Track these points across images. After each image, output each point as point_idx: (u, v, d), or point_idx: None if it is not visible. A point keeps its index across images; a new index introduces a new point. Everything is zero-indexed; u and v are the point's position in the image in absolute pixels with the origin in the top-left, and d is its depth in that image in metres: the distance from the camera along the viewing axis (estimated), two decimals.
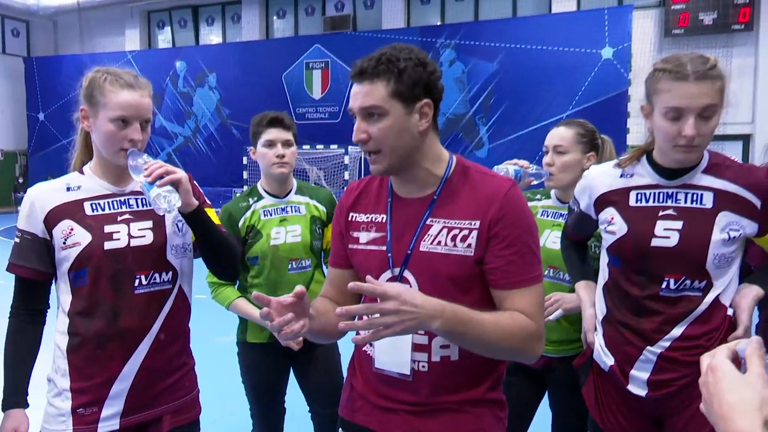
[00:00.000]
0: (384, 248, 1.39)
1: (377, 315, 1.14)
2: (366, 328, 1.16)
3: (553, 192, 2.21)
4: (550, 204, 2.19)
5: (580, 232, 1.90)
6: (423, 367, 1.35)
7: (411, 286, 1.34)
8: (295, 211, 2.36)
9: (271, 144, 2.29)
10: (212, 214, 1.79)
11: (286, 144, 2.31)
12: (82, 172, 1.67)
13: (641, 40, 11.68)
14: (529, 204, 2.15)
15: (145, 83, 1.63)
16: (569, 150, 2.09)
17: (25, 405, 1.60)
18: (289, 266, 2.30)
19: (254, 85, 14.52)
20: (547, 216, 2.16)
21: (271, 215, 2.33)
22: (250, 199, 2.36)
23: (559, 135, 2.12)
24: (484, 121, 12.87)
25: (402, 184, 1.41)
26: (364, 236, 1.43)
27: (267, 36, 15.60)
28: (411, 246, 1.35)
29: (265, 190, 2.38)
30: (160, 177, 1.51)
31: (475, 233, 1.32)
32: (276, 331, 1.23)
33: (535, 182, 2.18)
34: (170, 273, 1.66)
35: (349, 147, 12.91)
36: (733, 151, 10.41)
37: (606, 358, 1.70)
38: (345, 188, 1.57)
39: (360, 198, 1.48)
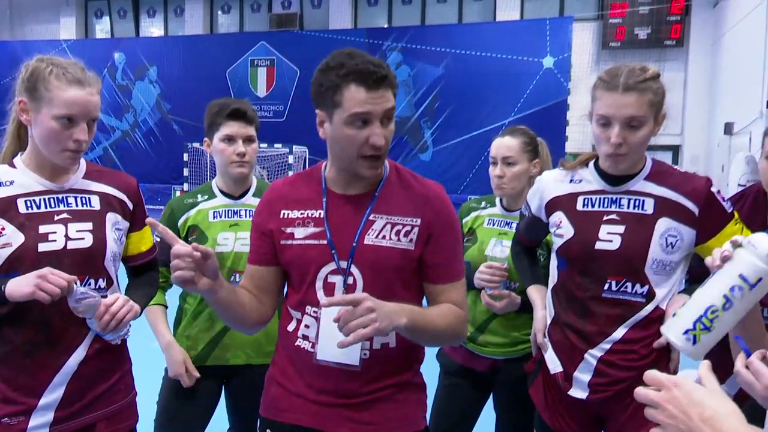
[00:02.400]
0: (324, 242, 1.43)
1: (356, 320, 1.22)
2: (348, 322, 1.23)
3: (498, 200, 2.22)
4: (495, 212, 2.20)
5: (531, 237, 1.95)
6: (365, 355, 1.42)
7: (355, 279, 1.41)
8: (250, 215, 2.01)
9: (230, 139, 2.02)
10: (147, 235, 1.73)
11: (248, 140, 2.04)
12: (12, 165, 1.54)
13: (580, 51, 12.08)
14: (474, 213, 2.25)
15: (94, 79, 1.52)
16: (518, 161, 2.09)
17: None
18: (232, 279, 1.99)
19: (197, 80, 14.17)
20: (493, 225, 2.17)
21: (220, 217, 2.05)
22: (200, 196, 2.10)
23: (507, 145, 2.10)
24: (428, 124, 12.99)
25: (347, 183, 1.46)
26: (300, 231, 1.45)
27: (211, 31, 15.26)
28: (356, 239, 1.41)
29: (219, 189, 2.11)
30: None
31: (416, 230, 1.43)
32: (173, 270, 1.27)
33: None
34: (105, 280, 1.57)
35: (294, 146, 12.77)
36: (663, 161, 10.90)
37: (553, 365, 1.75)
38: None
39: (290, 195, 1.50)
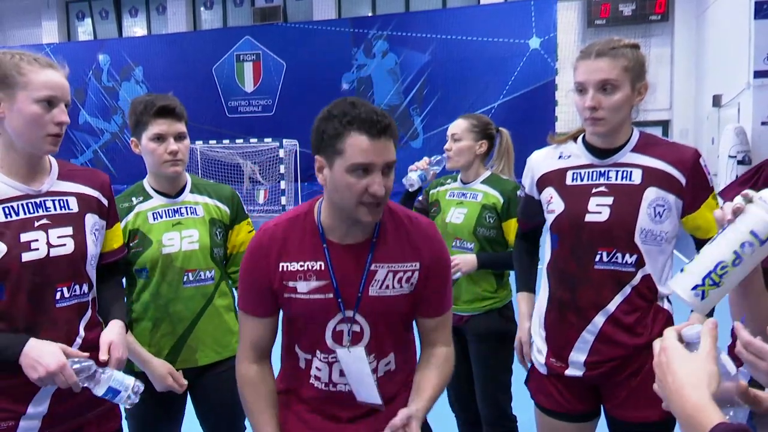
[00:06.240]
0: (331, 296, 1.44)
1: None
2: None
3: (459, 177, 2.54)
4: (455, 186, 2.53)
5: (529, 219, 1.98)
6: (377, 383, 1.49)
7: (362, 327, 1.47)
8: (191, 213, 2.01)
9: (160, 138, 1.92)
10: (118, 232, 1.72)
11: (179, 137, 1.95)
12: None
13: (566, 31, 12.07)
14: (441, 188, 2.54)
15: (61, 66, 1.50)
16: (463, 137, 2.44)
17: None
18: (185, 278, 1.95)
19: (184, 78, 14.08)
20: (453, 196, 2.51)
21: (161, 218, 1.97)
22: (134, 199, 2.00)
23: (456, 125, 2.48)
24: (418, 111, 12.98)
25: (345, 231, 1.44)
26: (303, 285, 1.44)
27: (194, 28, 15.16)
28: (360, 291, 1.44)
29: (153, 189, 2.02)
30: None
31: (416, 274, 1.47)
32: None
33: (438, 170, 2.49)
34: (86, 284, 1.54)
35: (284, 140, 12.74)
36: None
37: (539, 356, 1.80)
38: (272, 221, 1.53)
39: (287, 246, 1.46)
